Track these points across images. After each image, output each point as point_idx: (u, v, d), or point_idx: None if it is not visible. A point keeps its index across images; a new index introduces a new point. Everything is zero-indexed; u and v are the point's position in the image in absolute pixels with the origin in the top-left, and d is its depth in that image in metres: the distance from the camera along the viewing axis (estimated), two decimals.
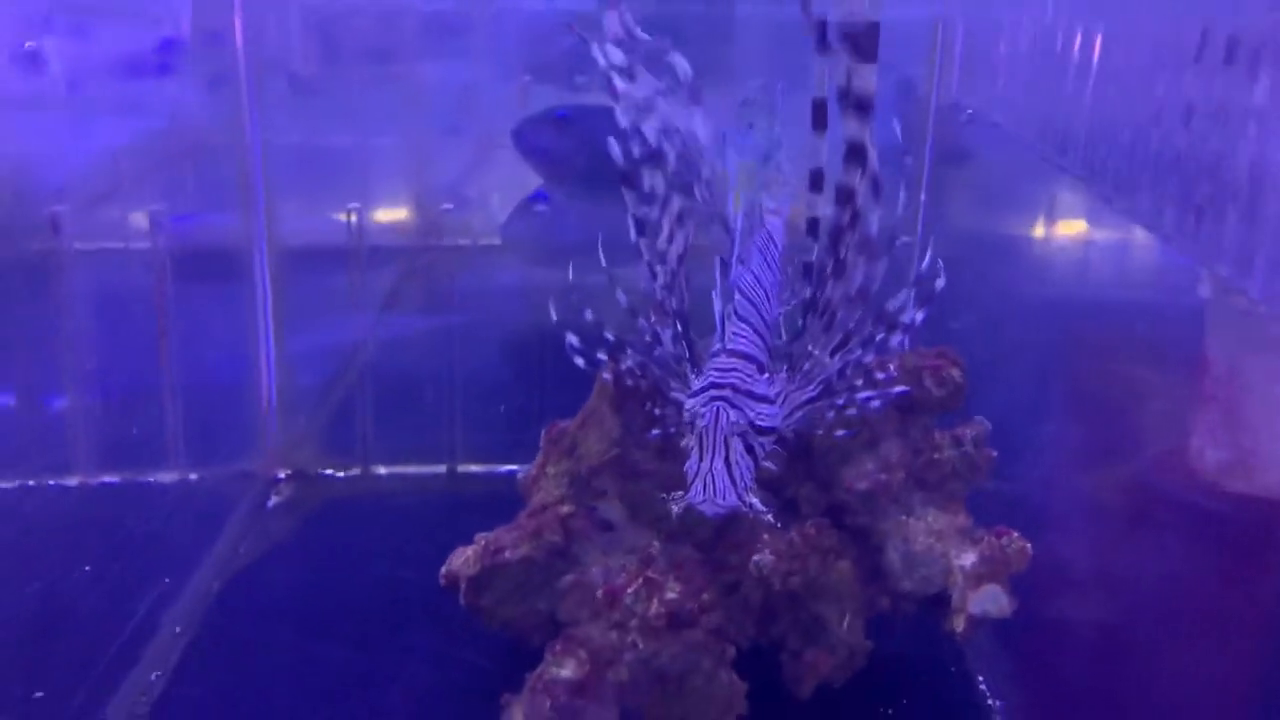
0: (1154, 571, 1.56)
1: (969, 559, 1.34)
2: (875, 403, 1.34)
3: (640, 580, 1.26)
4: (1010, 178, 2.08)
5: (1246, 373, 1.53)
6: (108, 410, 1.94)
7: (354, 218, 1.99)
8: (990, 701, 1.45)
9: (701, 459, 1.22)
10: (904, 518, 1.39)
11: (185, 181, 2.13)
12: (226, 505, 1.85)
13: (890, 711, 1.41)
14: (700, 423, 1.23)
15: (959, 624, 1.34)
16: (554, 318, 1.41)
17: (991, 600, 1.34)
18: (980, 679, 1.48)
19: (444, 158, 2.26)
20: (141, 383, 1.97)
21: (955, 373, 1.41)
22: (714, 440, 1.22)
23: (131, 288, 1.98)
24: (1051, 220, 2.04)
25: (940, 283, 1.35)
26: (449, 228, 2.15)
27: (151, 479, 1.90)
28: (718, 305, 1.31)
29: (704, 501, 1.21)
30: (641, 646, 1.24)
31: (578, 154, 2.16)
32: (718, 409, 1.23)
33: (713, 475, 1.21)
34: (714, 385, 1.25)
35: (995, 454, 1.42)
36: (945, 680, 1.49)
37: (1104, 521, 1.72)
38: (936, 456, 1.39)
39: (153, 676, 1.41)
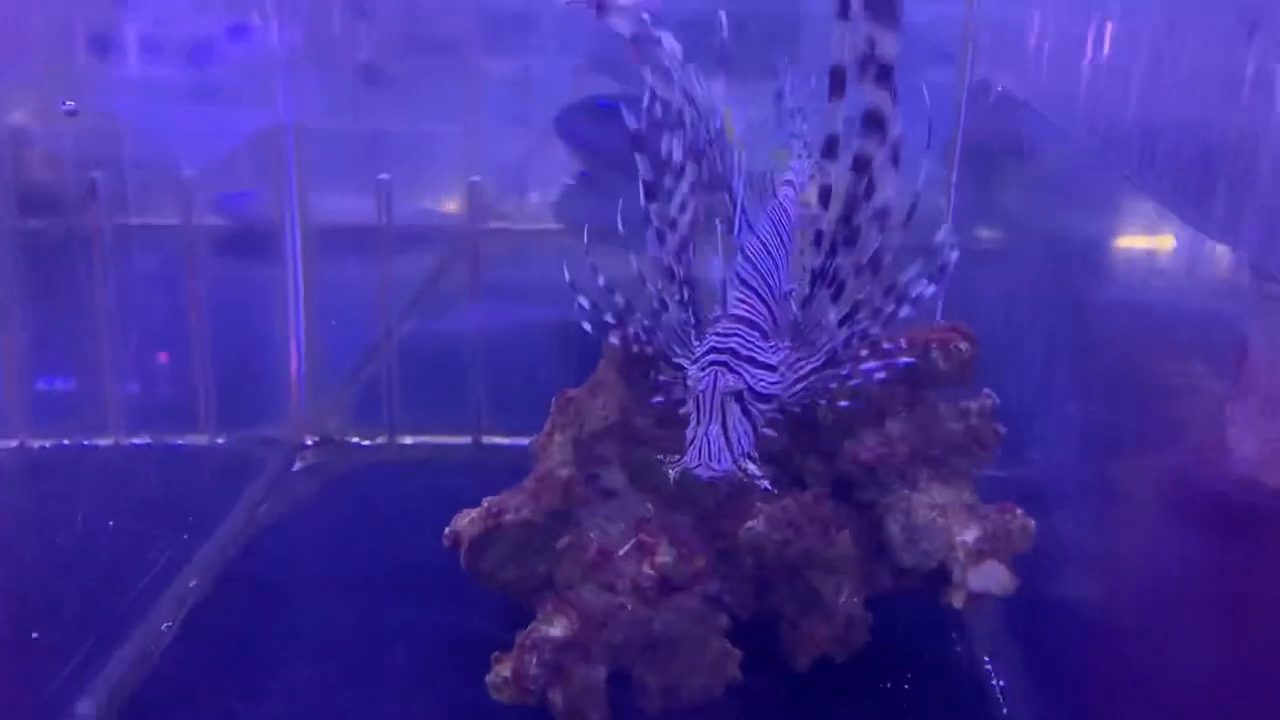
0: (1179, 561, 1.53)
1: (971, 534, 1.32)
2: (880, 374, 1.33)
3: (632, 542, 1.26)
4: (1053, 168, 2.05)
5: None
6: (143, 375, 1.99)
7: (383, 194, 2.01)
8: (995, 682, 1.43)
9: (698, 423, 1.22)
10: (906, 491, 1.37)
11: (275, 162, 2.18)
12: (252, 468, 1.88)
13: (891, 687, 1.40)
14: (698, 387, 1.23)
15: (958, 600, 1.33)
16: (567, 278, 1.41)
17: (992, 577, 1.32)
18: (986, 659, 1.46)
19: (505, 145, 2.28)
20: (178, 350, 2.02)
21: (964, 346, 1.39)
22: (710, 404, 1.22)
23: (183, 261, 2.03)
24: (1088, 209, 2.01)
25: (955, 256, 1.34)
26: (501, 212, 2.20)
27: (180, 442, 1.94)
28: (717, 270, 1.31)
29: (699, 466, 1.21)
30: (631, 609, 1.24)
31: (618, 143, 2.17)
32: (715, 373, 1.23)
33: (708, 439, 1.21)
34: (713, 350, 1.25)
35: (1002, 429, 1.40)
36: (951, 660, 1.47)
37: (1133, 509, 1.69)
38: (941, 430, 1.38)
39: (163, 627, 1.44)
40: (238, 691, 1.33)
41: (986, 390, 1.41)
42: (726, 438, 1.22)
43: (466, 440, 2.04)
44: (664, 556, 1.25)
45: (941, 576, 1.36)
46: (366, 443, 2.03)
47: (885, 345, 1.33)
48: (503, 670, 1.22)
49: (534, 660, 1.21)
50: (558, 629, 1.23)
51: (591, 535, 1.34)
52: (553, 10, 2.19)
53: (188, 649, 1.41)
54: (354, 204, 2.19)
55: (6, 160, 2.04)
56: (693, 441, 1.22)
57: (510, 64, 2.20)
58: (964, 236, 2.08)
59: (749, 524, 1.31)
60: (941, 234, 1.34)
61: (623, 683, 1.29)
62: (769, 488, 1.24)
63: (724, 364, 1.24)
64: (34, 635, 1.39)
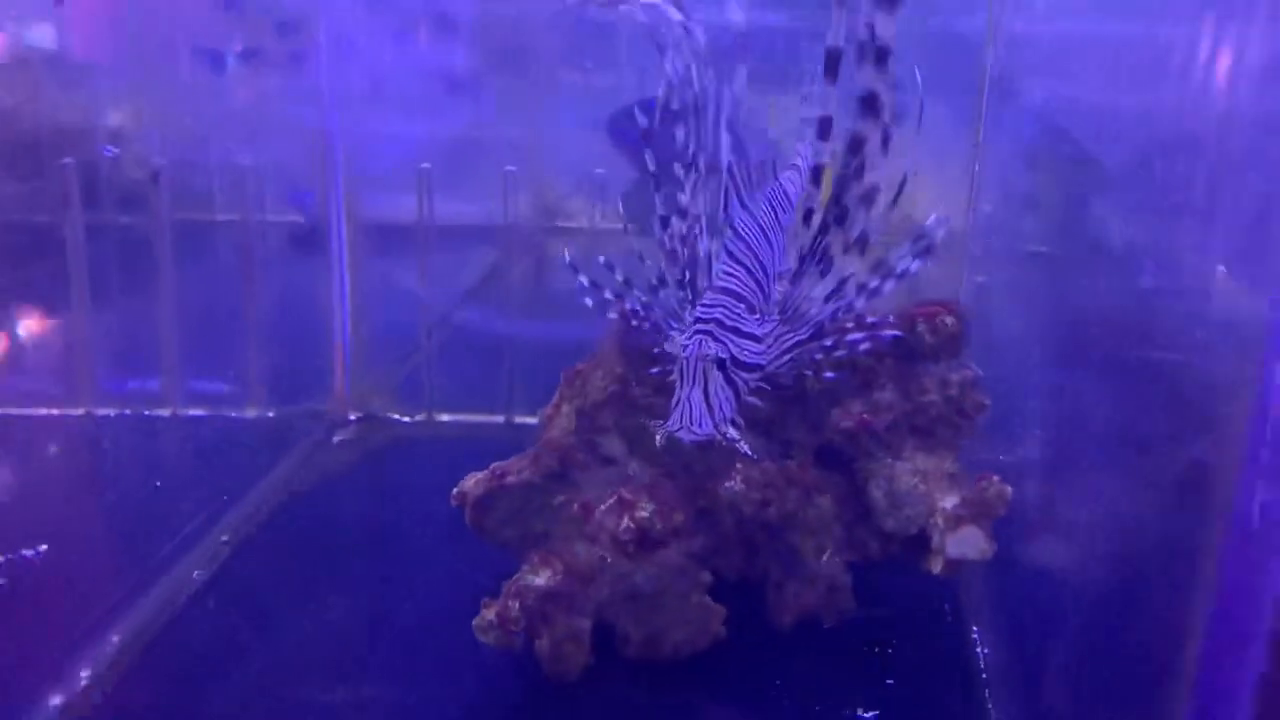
0: (1190, 551, 1.53)
1: (951, 500, 1.36)
2: (864, 345, 1.38)
3: (613, 498, 1.33)
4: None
5: None
6: (200, 352, 2.12)
7: (424, 183, 2.10)
8: (979, 650, 1.45)
9: (681, 388, 1.28)
10: (889, 459, 1.41)
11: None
12: (293, 439, 2.00)
13: (875, 651, 1.44)
14: (682, 354, 1.29)
15: (937, 565, 1.36)
16: (568, 259, 1.49)
17: (970, 542, 1.35)
18: (974, 630, 1.49)
19: (579, 150, 2.38)
20: (237, 330, 2.15)
21: (949, 320, 1.43)
22: (693, 371, 1.28)
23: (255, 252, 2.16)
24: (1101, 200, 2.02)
25: (941, 234, 1.38)
26: (567, 212, 2.31)
27: (232, 415, 2.07)
28: (704, 243, 1.37)
29: (680, 429, 1.27)
30: (611, 561, 1.31)
31: (667, 141, 2.24)
32: (699, 340, 1.29)
33: (689, 404, 1.28)
34: (699, 320, 1.32)
35: (986, 401, 1.43)
36: (938, 629, 1.50)
37: (1146, 500, 1.69)
38: (924, 400, 1.41)
39: (194, 574, 1.55)
40: (252, 634, 1.43)
41: (969, 363, 1.44)
42: (708, 403, 1.28)
43: (499, 419, 2.13)
44: (643, 512, 1.31)
45: (923, 543, 1.40)
46: (406, 419, 2.14)
47: (870, 319, 1.38)
48: (488, 614, 1.29)
49: (517, 605, 1.28)
50: (541, 578, 1.30)
51: (588, 495, 1.41)
52: (626, 23, 2.28)
53: (214, 595, 1.51)
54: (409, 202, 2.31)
55: (101, 158, 2.20)
56: (676, 405, 1.29)
57: (582, 73, 2.31)
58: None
59: (727, 484, 1.37)
60: (932, 219, 1.39)
61: (608, 633, 1.36)
62: (748, 452, 1.30)
63: (708, 333, 1.30)
64: (73, 577, 1.51)
